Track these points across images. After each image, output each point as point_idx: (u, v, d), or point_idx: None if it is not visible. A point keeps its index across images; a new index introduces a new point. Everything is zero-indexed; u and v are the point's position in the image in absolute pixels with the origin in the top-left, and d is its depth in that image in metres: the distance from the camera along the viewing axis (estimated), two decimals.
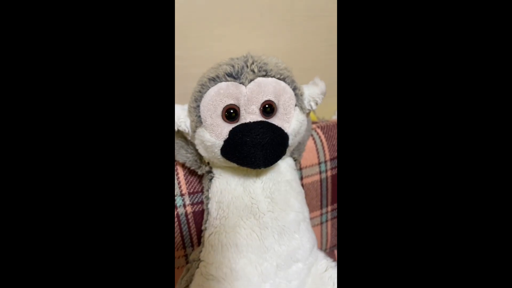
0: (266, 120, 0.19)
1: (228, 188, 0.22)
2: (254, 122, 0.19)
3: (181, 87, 0.49)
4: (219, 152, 0.20)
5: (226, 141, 0.19)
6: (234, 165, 0.21)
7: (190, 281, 0.21)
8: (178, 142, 0.25)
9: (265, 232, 0.21)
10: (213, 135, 0.20)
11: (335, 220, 0.35)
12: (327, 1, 0.53)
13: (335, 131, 0.34)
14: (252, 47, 0.54)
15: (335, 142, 0.33)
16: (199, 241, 0.29)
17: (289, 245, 0.21)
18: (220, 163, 0.21)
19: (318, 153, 0.32)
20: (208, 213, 0.23)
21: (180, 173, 0.28)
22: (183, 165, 0.27)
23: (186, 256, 0.30)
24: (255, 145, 0.18)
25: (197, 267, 0.22)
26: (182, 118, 0.22)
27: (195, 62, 0.47)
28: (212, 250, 0.21)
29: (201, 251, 0.23)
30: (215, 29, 0.48)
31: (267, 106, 0.20)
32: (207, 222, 0.23)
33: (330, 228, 0.36)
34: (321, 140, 0.32)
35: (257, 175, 0.22)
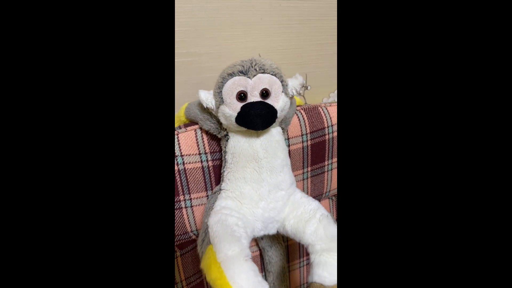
0: (264, 100, 0.31)
1: (239, 144, 0.34)
2: (256, 102, 0.31)
3: (199, 77, 0.61)
4: (234, 120, 0.32)
5: (239, 113, 0.31)
6: (243, 129, 0.33)
7: (215, 201, 0.34)
8: (204, 116, 0.37)
9: (261, 170, 0.33)
10: (231, 109, 0.31)
11: (314, 177, 0.48)
12: (315, 9, 0.64)
13: (314, 112, 0.46)
14: (254, 45, 0.65)
15: (313, 119, 0.45)
16: (217, 183, 0.41)
17: (276, 179, 0.34)
18: (234, 128, 0.33)
19: (301, 127, 0.44)
20: (225, 161, 0.35)
21: (204, 138, 0.40)
22: (207, 132, 0.39)
23: (207, 196, 0.42)
24: (257, 116, 0.30)
25: (219, 193, 0.34)
26: (209, 99, 0.34)
27: (209, 57, 0.58)
28: (229, 182, 0.34)
29: (221, 185, 0.35)
30: (225, 31, 0.58)
31: (264, 92, 0.32)
32: (225, 167, 0.35)
33: (310, 184, 0.48)
34: (303, 118, 0.44)
35: (258, 136, 0.34)
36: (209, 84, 0.63)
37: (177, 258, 0.43)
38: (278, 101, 0.32)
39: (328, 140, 0.46)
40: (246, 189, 0.33)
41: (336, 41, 0.68)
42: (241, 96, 0.31)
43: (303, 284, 0.55)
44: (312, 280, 0.32)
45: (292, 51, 0.65)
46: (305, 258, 0.54)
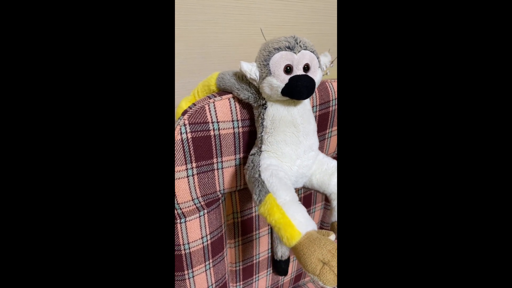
0: (306, 74, 0.37)
1: (278, 112, 0.39)
2: (302, 75, 0.36)
3: (205, 46, 0.61)
4: (280, 91, 0.36)
5: (286, 85, 0.36)
6: (284, 98, 0.38)
7: (260, 160, 0.39)
8: (242, 85, 0.40)
9: (298, 133, 0.39)
10: (279, 81, 0.36)
11: None
12: None
13: (322, 86, 0.52)
14: (257, 19, 0.68)
15: (322, 93, 0.52)
16: (245, 149, 0.46)
17: (310, 141, 0.40)
18: (276, 98, 0.38)
19: (313, 100, 0.51)
20: (264, 127, 0.40)
21: (237, 106, 0.44)
22: (239, 101, 0.43)
23: (235, 159, 0.47)
24: (303, 87, 0.35)
25: (261, 154, 0.40)
26: (253, 70, 0.37)
27: (219, 28, 0.59)
28: (270, 144, 0.39)
29: (261, 147, 0.40)
30: (230, 2, 0.59)
31: (306, 66, 0.37)
32: (263, 132, 0.40)
33: None
34: (315, 92, 0.51)
35: (295, 105, 0.39)
36: (214, 53, 0.65)
37: (204, 215, 0.47)
38: (316, 75, 0.37)
39: (331, 111, 0.54)
40: (286, 150, 0.39)
41: (325, 22, 0.75)
42: (287, 69, 0.36)
43: None
44: (335, 219, 0.40)
45: (289, 28, 0.70)
46: None
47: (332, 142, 0.58)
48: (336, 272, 0.29)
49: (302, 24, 0.71)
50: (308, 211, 0.65)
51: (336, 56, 0.32)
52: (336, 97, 0.54)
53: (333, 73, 0.79)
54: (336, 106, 0.54)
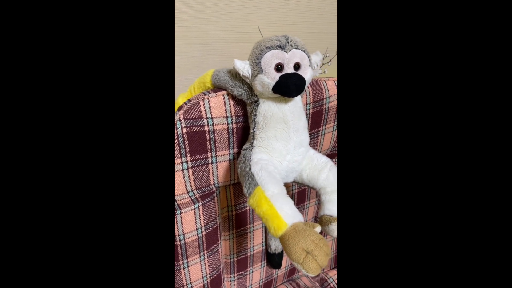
0: (296, 72, 0.38)
1: (269, 109, 0.40)
2: (292, 73, 0.37)
3: (210, 46, 0.63)
4: (271, 88, 0.38)
5: (277, 82, 0.37)
6: (275, 95, 0.39)
7: (251, 155, 0.41)
8: (236, 83, 0.42)
9: (289, 130, 0.40)
10: (269, 78, 0.37)
11: (311, 140, 0.57)
12: None
13: (316, 84, 0.54)
14: (256, 18, 0.69)
15: (316, 91, 0.53)
16: (238, 145, 0.47)
17: (299, 137, 0.42)
18: (267, 95, 0.40)
19: (306, 97, 0.52)
20: (256, 123, 0.41)
21: (231, 102, 0.45)
22: (233, 98, 0.44)
23: (229, 154, 0.48)
24: (293, 85, 0.36)
25: (252, 149, 0.41)
26: (246, 68, 0.39)
27: (220, 26, 0.61)
28: (261, 140, 0.41)
29: (252, 142, 0.42)
30: (234, 1, 0.61)
31: (296, 65, 0.38)
32: (255, 127, 0.42)
33: None
34: (309, 90, 0.52)
35: (286, 102, 0.41)
36: (213, 51, 0.66)
37: (199, 208, 0.49)
38: (307, 73, 0.39)
39: (325, 109, 0.56)
40: (276, 145, 0.40)
41: (324, 20, 0.76)
42: (278, 67, 0.37)
43: None
44: (323, 213, 0.42)
45: (287, 27, 0.71)
46: None
47: (326, 140, 0.60)
48: (319, 261, 0.30)
49: (301, 22, 0.72)
50: (302, 207, 0.66)
51: (336, 54, 0.33)
52: (330, 95, 0.55)
53: (331, 72, 0.80)
54: (330, 104, 0.56)
